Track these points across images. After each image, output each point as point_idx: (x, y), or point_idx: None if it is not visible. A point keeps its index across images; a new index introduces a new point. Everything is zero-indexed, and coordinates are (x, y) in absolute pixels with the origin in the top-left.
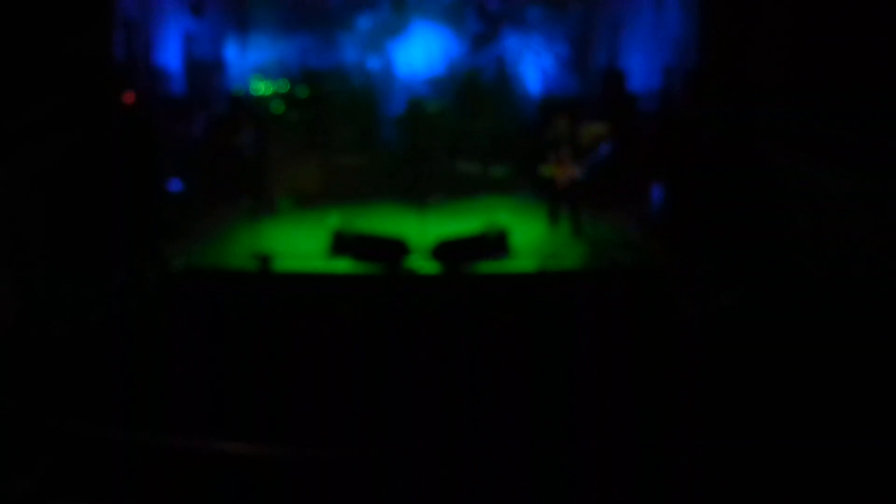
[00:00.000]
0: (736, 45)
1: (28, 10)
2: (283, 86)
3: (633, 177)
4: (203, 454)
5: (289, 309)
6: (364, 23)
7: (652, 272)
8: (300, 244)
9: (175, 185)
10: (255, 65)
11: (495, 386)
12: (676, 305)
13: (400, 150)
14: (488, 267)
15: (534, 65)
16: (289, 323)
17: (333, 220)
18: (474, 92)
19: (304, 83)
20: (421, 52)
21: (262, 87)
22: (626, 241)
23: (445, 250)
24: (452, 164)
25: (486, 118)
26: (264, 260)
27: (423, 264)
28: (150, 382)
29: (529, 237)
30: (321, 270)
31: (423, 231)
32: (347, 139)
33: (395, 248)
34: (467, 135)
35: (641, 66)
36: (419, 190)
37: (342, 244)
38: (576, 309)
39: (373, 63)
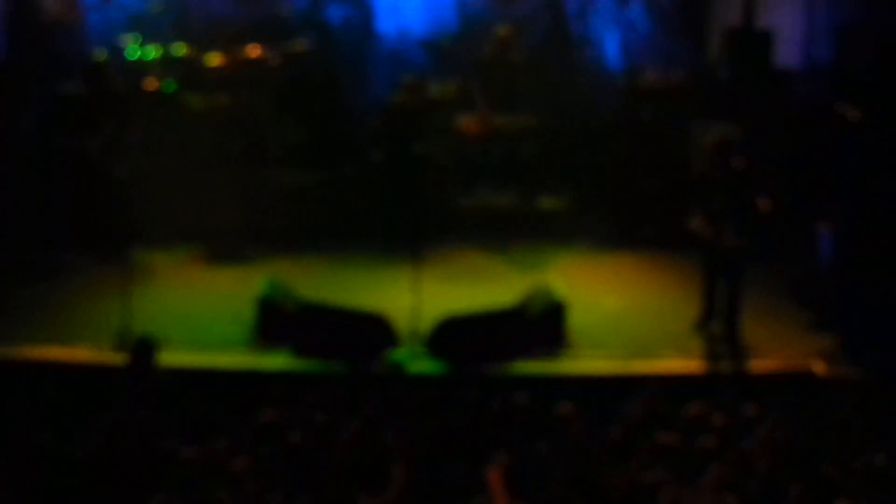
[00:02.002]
0: None
1: None
2: (177, 49)
3: (786, 214)
4: None
5: (180, 431)
6: None
7: (816, 377)
8: (202, 324)
9: None
10: (127, 15)
11: None
12: (863, 434)
13: (381, 165)
14: (528, 368)
15: (612, 20)
16: (179, 452)
17: (263, 285)
18: (509, 66)
19: (214, 46)
20: None
21: (140, 52)
22: (772, 323)
23: (455, 337)
24: (470, 190)
25: (528, 111)
26: (139, 350)
27: (415, 360)
28: None
29: (600, 316)
30: (238, 368)
31: (416, 303)
32: (290, 143)
33: (368, 332)
34: (496, 139)
35: (798, 24)
36: (413, 232)
37: (277, 325)
38: (683, 439)
39: (336, 13)
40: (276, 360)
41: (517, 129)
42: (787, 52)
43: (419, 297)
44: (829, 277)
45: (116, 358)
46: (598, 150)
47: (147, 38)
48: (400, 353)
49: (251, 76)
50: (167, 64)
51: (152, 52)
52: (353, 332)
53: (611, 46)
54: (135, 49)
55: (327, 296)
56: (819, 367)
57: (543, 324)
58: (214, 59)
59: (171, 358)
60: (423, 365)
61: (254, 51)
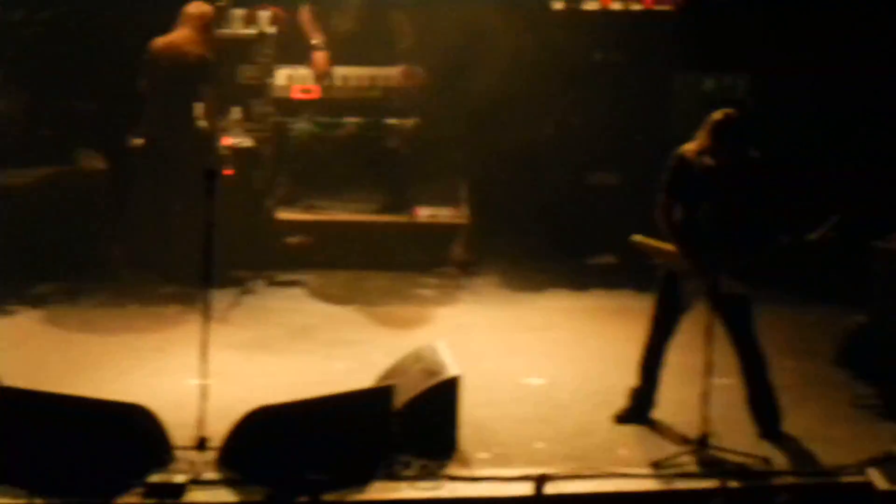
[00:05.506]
0: None
1: None
2: None
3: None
4: None
5: None
6: None
7: (876, 493)
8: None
9: None
10: None
11: None
12: None
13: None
14: (396, 491)
15: None
16: None
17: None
18: None
19: None
20: None
21: None
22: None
23: (270, 441)
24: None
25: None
26: None
27: (201, 483)
28: None
29: (517, 392)
30: None
31: (204, 383)
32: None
33: (112, 440)
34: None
35: None
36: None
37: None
38: None
39: None
40: None
41: None
42: None
43: (208, 370)
44: None
45: None
46: None
47: None
48: (174, 471)
49: None
50: None
51: None
52: (86, 441)
53: None
54: None
55: (30, 373)
56: (880, 481)
57: (418, 415)
58: None
59: None
60: (214, 492)
61: None
